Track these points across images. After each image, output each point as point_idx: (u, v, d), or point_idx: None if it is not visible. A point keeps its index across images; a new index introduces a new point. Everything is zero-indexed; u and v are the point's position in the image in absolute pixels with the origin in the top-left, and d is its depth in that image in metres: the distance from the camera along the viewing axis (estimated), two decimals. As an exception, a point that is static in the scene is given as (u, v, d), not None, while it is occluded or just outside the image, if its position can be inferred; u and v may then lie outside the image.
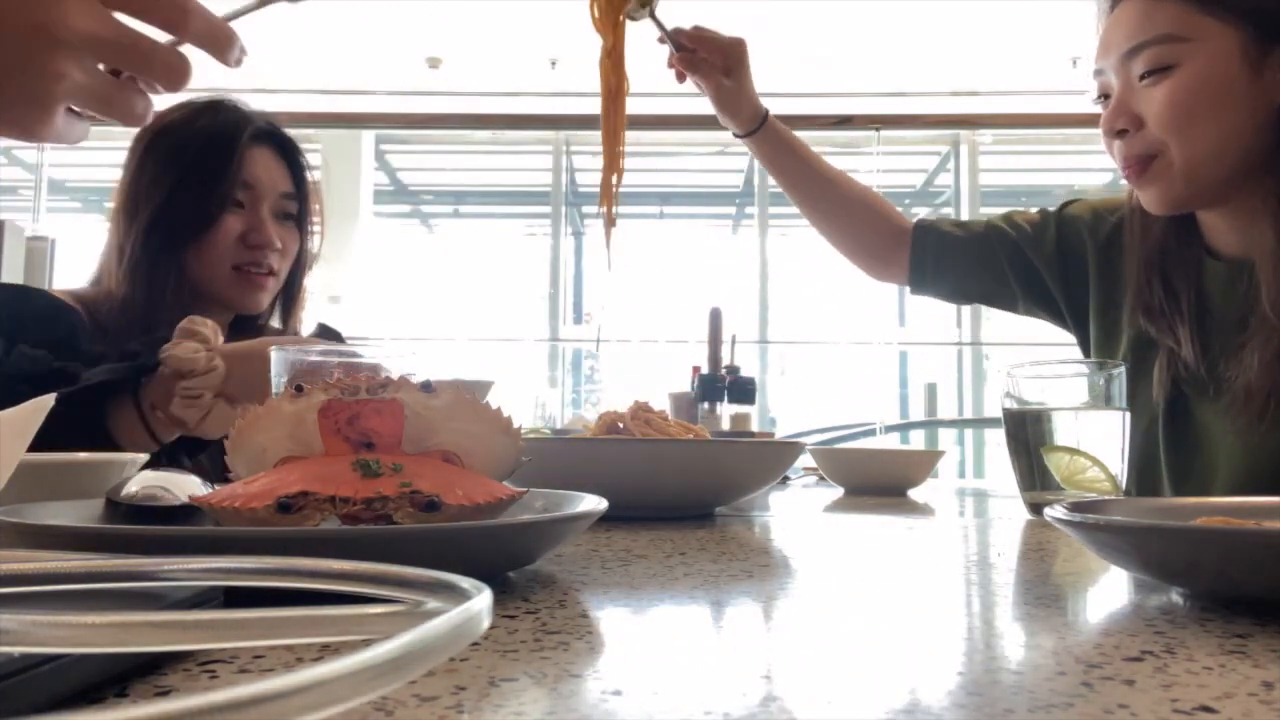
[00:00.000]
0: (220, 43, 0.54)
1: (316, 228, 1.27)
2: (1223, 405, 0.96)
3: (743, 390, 1.43)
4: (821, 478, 1.37)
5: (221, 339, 0.91)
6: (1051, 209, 1.19)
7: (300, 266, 1.26)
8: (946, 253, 1.22)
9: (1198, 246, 1.02)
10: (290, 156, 1.22)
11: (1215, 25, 0.90)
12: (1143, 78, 0.92)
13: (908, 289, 1.28)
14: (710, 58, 1.19)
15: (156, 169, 1.14)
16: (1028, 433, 0.86)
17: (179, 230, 1.13)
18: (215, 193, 1.13)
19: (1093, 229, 1.12)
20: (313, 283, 1.30)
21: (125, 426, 0.90)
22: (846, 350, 5.13)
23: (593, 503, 0.48)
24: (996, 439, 4.22)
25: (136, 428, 0.90)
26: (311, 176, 1.25)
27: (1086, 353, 1.15)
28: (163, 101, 1.27)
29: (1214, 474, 0.98)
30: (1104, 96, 0.98)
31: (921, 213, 5.96)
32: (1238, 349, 0.94)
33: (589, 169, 5.61)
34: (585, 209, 5.72)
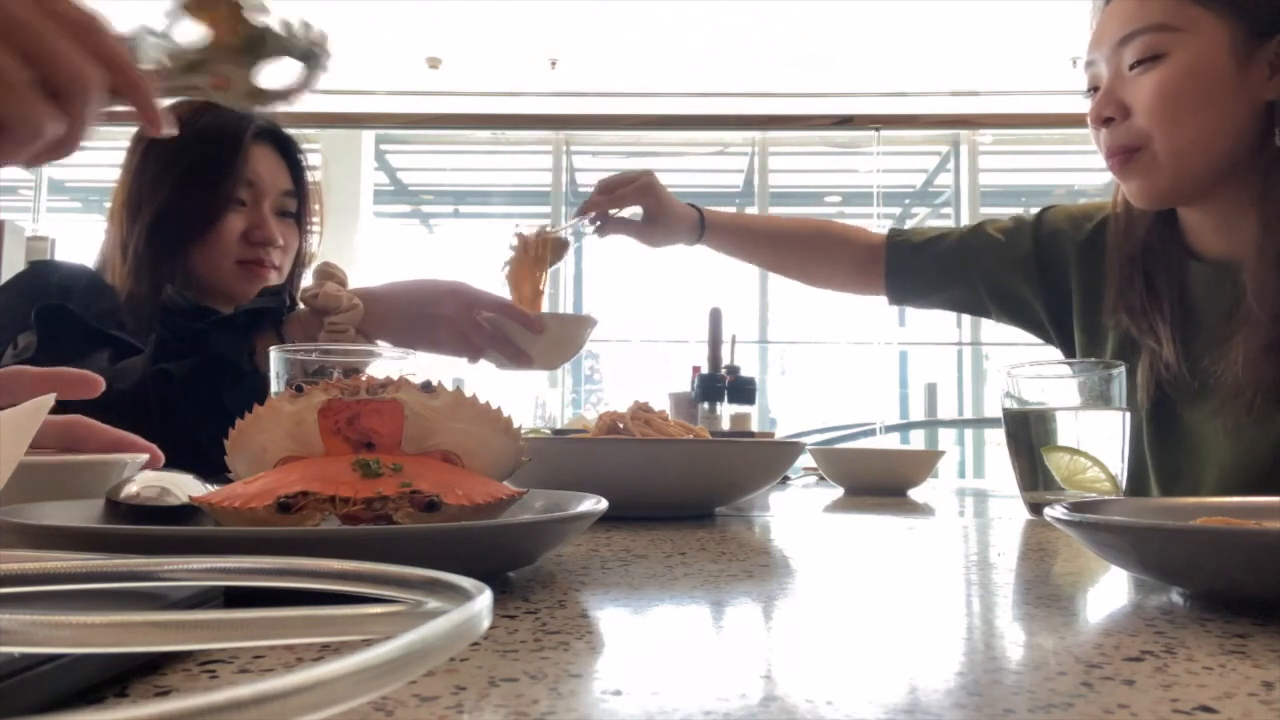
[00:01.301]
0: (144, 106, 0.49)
1: (315, 227, 1.28)
2: (1209, 406, 0.96)
3: (743, 390, 1.43)
4: (821, 478, 1.37)
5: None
6: (1027, 216, 1.18)
7: (299, 264, 1.26)
8: (921, 270, 1.24)
9: (1180, 248, 1.02)
10: (290, 154, 1.23)
11: (1206, 17, 0.91)
12: (1133, 67, 0.93)
13: (917, 309, 1.32)
14: (628, 203, 1.22)
15: (158, 167, 1.14)
16: (1028, 433, 0.86)
17: (183, 228, 1.14)
18: (219, 191, 1.14)
19: (1073, 236, 1.12)
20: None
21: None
22: (846, 350, 5.13)
23: (593, 503, 0.48)
24: (996, 439, 4.22)
25: None
26: (312, 176, 1.25)
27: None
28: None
29: (1201, 475, 0.98)
30: (1094, 89, 0.98)
31: (922, 213, 5.97)
32: (1222, 346, 0.94)
33: (589, 169, 5.61)
34: (585, 209, 5.71)
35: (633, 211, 1.24)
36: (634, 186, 1.22)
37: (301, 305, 0.99)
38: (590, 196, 1.23)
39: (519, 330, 1.02)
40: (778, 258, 1.32)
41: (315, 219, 1.27)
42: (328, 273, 1.00)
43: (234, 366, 0.90)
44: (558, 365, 1.08)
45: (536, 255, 1.10)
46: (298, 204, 1.23)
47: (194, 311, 0.95)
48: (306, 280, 1.31)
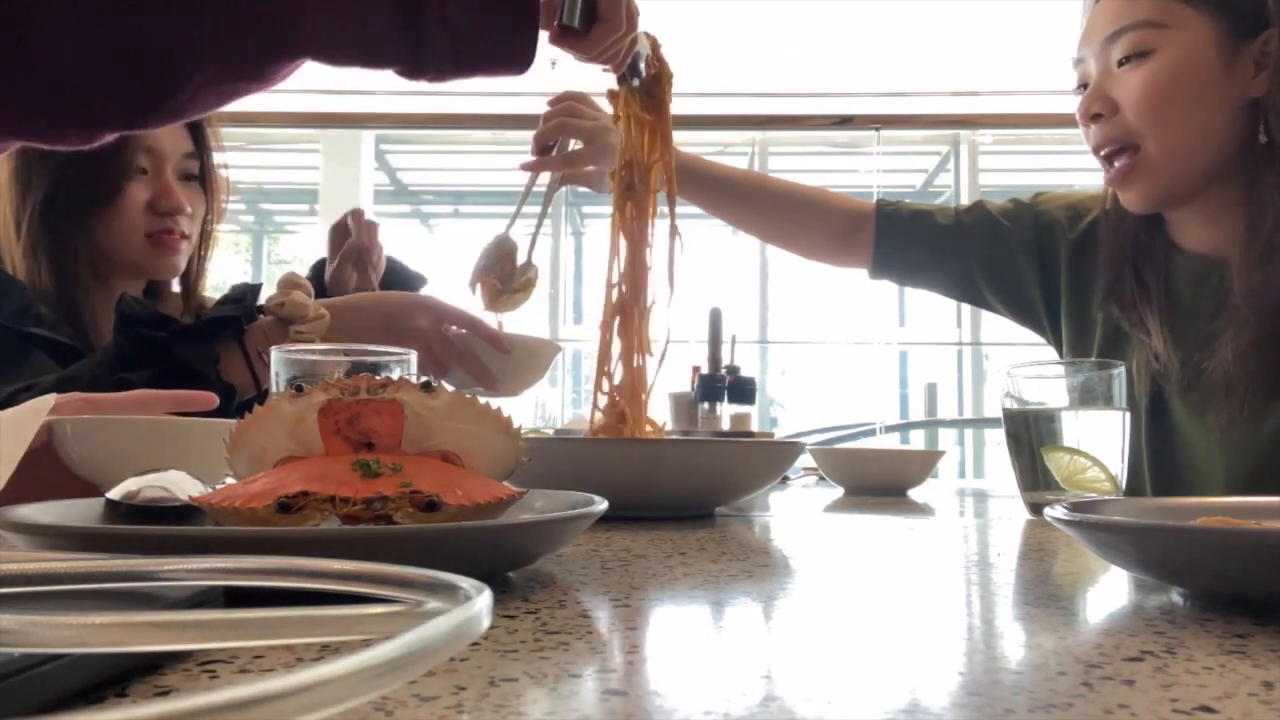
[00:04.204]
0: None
1: (221, 191, 1.22)
2: (1201, 403, 0.97)
3: (743, 390, 1.42)
4: (821, 478, 1.37)
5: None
6: (1025, 200, 1.17)
7: (208, 228, 1.21)
8: (915, 243, 1.19)
9: (1165, 240, 1.03)
10: None
11: (1192, 14, 0.92)
12: (1121, 63, 0.94)
13: (896, 284, 1.27)
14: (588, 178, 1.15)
15: None
16: (1028, 433, 0.86)
17: (81, 201, 1.09)
18: (118, 161, 1.09)
19: (1066, 231, 1.11)
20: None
21: (231, 368, 0.95)
22: (846, 350, 5.13)
23: (593, 503, 0.48)
24: (996, 439, 4.21)
25: (242, 369, 0.95)
26: (213, 134, 1.19)
27: (1059, 351, 1.15)
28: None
29: (1194, 472, 0.99)
30: (1083, 86, 0.99)
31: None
32: (1212, 343, 0.94)
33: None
34: (585, 209, 5.71)
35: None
36: (593, 149, 1.12)
37: (265, 315, 0.96)
38: (538, 154, 1.14)
39: (486, 349, 1.01)
40: (751, 218, 1.26)
41: (219, 184, 1.21)
42: (293, 282, 0.97)
43: (200, 377, 0.88)
44: (520, 391, 1.05)
45: (504, 273, 1.08)
46: (200, 165, 1.17)
47: (153, 320, 0.92)
48: (270, 284, 1.28)
